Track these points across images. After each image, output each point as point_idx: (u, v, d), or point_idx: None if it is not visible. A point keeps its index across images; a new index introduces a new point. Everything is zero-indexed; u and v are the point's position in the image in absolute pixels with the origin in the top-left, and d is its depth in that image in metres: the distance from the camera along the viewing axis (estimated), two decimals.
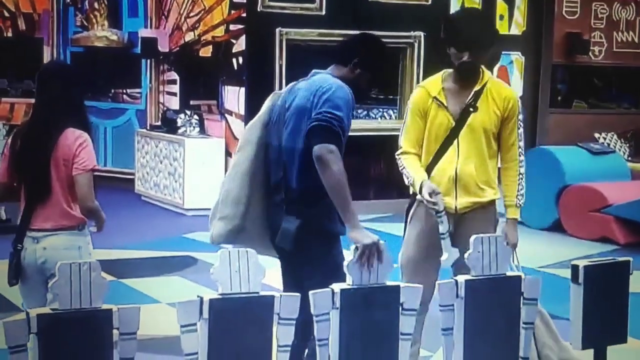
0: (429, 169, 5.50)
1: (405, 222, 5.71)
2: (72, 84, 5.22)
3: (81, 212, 5.14)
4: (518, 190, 5.65)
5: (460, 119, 5.47)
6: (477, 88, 5.49)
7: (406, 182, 5.53)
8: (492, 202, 5.65)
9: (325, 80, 4.97)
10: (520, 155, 5.63)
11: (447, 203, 5.43)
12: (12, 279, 5.19)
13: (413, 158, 5.53)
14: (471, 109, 5.46)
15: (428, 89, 5.53)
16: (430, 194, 5.27)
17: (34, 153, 5.15)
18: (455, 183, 5.48)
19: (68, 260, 4.90)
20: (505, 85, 5.72)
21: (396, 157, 5.61)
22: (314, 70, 5.16)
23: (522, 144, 5.64)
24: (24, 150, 5.19)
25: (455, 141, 5.48)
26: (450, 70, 5.57)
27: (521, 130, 5.62)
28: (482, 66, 5.58)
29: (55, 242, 5.14)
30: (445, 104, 5.47)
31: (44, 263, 5.12)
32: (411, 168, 5.48)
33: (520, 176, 5.65)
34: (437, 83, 5.54)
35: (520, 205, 5.67)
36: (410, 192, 5.63)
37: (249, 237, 5.00)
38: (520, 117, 5.61)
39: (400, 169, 5.56)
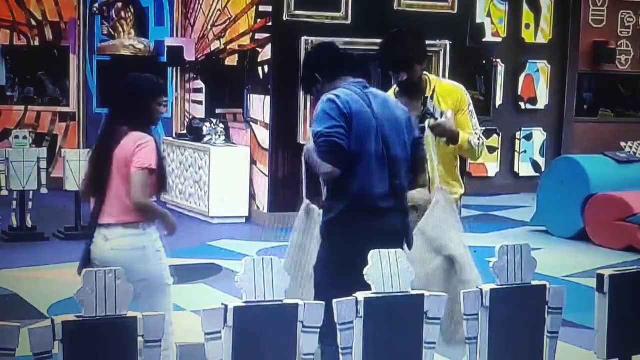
0: None
1: None
2: (136, 90, 5.55)
3: (133, 207, 5.33)
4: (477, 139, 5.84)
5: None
6: (427, 94, 5.74)
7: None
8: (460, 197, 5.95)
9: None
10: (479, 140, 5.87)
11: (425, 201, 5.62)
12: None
13: None
14: (427, 116, 5.66)
15: None
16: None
17: (99, 152, 5.55)
18: (429, 184, 5.67)
19: (133, 260, 5.23)
20: (449, 82, 6.04)
21: None
22: (363, 82, 5.34)
23: (478, 131, 5.88)
24: (95, 149, 5.69)
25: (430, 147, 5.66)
26: (395, 88, 5.87)
27: (475, 120, 5.87)
28: (426, 73, 5.89)
29: (121, 242, 5.37)
30: (418, 116, 5.66)
31: (111, 263, 5.18)
32: None
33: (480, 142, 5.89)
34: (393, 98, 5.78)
35: (475, 143, 5.79)
36: None
37: None
38: (471, 107, 5.86)
39: None
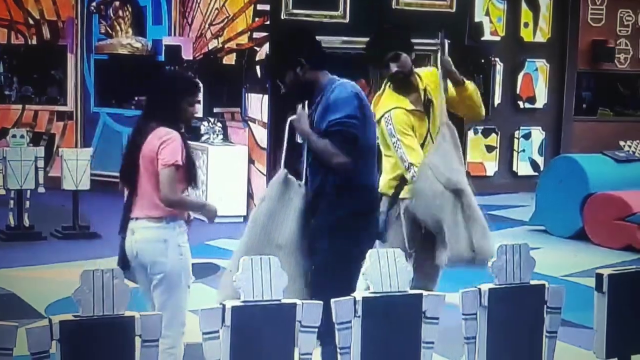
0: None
1: (386, 221, 5.89)
2: (165, 87, 5.69)
3: (163, 203, 5.40)
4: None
5: (427, 116, 5.94)
6: (422, 86, 5.95)
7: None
8: None
9: None
10: None
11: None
12: (121, 267, 5.39)
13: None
14: (430, 104, 5.93)
15: (402, 106, 5.88)
16: None
17: (129, 147, 5.69)
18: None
19: (155, 252, 5.35)
20: (424, 69, 6.23)
21: (407, 169, 5.81)
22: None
23: None
24: (126, 144, 5.88)
25: (429, 135, 5.92)
26: (389, 84, 6.00)
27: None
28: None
29: (145, 234, 5.46)
30: (422, 110, 5.90)
31: (137, 255, 5.48)
32: None
33: None
34: (399, 98, 5.91)
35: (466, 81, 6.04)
36: (391, 194, 5.89)
37: None
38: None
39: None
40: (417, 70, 6.09)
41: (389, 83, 6.00)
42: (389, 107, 5.91)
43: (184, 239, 5.53)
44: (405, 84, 5.94)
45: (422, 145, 5.90)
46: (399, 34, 6.08)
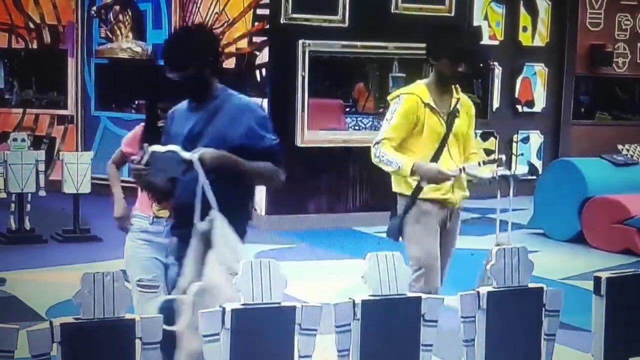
0: None
1: (402, 221, 5.99)
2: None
3: None
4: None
5: (448, 125, 5.90)
6: (457, 96, 5.98)
7: (388, 168, 5.82)
8: None
9: None
10: None
11: (449, 198, 5.94)
12: None
13: (392, 147, 5.82)
14: (457, 114, 5.93)
15: (419, 96, 5.87)
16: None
17: None
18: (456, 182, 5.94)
19: None
20: (464, 95, 6.20)
21: (373, 146, 5.86)
22: None
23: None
24: None
25: (446, 145, 5.90)
26: (425, 81, 6.00)
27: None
28: None
29: None
30: (438, 110, 5.88)
31: None
32: (394, 154, 5.79)
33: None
34: (424, 91, 5.90)
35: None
36: (409, 194, 5.94)
37: None
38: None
39: (377, 156, 5.84)
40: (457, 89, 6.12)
41: (429, 77, 6.03)
42: (406, 92, 5.96)
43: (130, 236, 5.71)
44: (445, 86, 5.95)
45: (439, 151, 5.89)
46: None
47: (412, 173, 5.74)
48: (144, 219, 5.65)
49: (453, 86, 5.99)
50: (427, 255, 5.91)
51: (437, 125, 5.89)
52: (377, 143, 5.85)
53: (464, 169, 5.85)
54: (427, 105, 5.85)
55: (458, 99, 5.98)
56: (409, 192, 5.94)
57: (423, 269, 5.89)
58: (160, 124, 5.40)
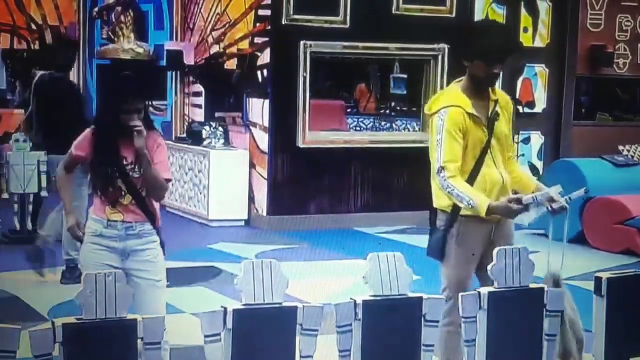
0: (469, 182, 5.49)
1: (444, 240, 5.62)
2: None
3: None
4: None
5: (489, 131, 5.55)
6: (495, 97, 5.61)
7: (463, 204, 5.40)
8: None
9: None
10: None
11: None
12: None
13: (461, 179, 5.44)
14: (497, 117, 5.56)
15: (462, 106, 5.47)
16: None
17: None
18: (500, 190, 5.60)
19: None
20: (498, 89, 5.84)
21: (441, 178, 5.41)
22: None
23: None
24: None
25: (489, 151, 5.55)
26: (460, 86, 5.60)
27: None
28: None
29: None
30: (480, 117, 5.51)
31: None
32: (467, 190, 5.39)
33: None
34: (463, 98, 5.50)
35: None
36: (449, 210, 5.56)
37: None
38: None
39: (445, 188, 5.41)
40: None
41: (462, 81, 5.61)
42: (448, 103, 5.50)
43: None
44: (481, 89, 5.57)
45: (481, 156, 5.53)
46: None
47: (489, 213, 5.36)
48: (98, 223, 5.52)
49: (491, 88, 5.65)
50: (458, 283, 5.50)
51: (481, 134, 5.52)
52: (441, 169, 5.41)
53: (536, 197, 5.60)
54: (470, 115, 5.47)
55: (496, 101, 5.61)
56: (449, 209, 5.56)
57: (451, 293, 5.49)
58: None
